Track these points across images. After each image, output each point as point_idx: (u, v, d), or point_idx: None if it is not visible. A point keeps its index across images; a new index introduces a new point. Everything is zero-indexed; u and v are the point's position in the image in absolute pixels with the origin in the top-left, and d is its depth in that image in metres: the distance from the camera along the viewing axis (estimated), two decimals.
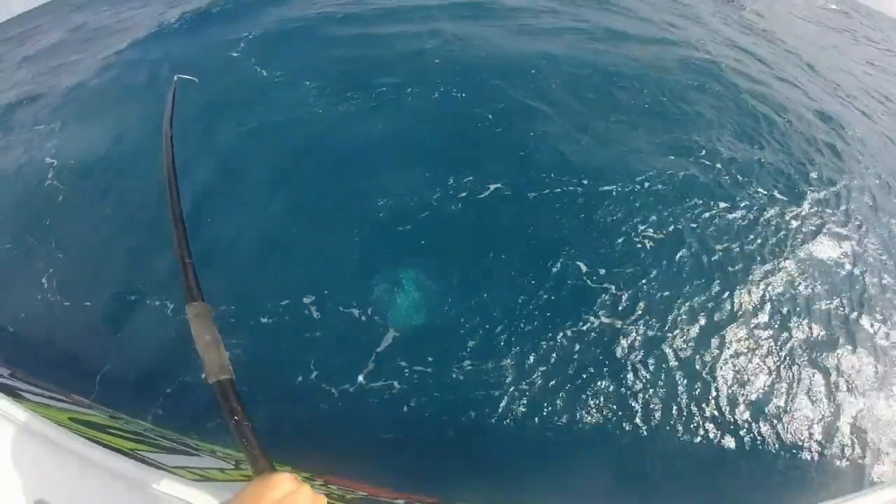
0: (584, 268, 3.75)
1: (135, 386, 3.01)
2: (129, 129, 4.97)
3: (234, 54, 6.21)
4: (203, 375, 1.08)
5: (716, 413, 3.09)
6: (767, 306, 3.69)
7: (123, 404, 2.82)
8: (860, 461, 3.06)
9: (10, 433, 1.45)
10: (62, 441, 1.47)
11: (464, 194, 4.25)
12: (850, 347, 3.58)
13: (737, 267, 3.93)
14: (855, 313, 3.82)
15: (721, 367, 3.30)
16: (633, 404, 3.06)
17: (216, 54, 6.26)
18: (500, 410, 2.98)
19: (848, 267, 4.17)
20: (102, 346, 3.23)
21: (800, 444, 3.05)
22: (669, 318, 3.51)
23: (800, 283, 3.90)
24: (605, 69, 6.11)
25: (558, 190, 4.31)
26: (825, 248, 4.25)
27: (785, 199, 4.66)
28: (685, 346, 3.38)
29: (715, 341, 3.43)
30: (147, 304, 3.44)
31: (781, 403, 3.20)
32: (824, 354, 3.50)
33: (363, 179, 4.43)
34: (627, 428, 2.98)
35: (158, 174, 1.72)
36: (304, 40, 6.58)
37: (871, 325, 3.78)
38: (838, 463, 3.04)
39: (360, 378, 3.04)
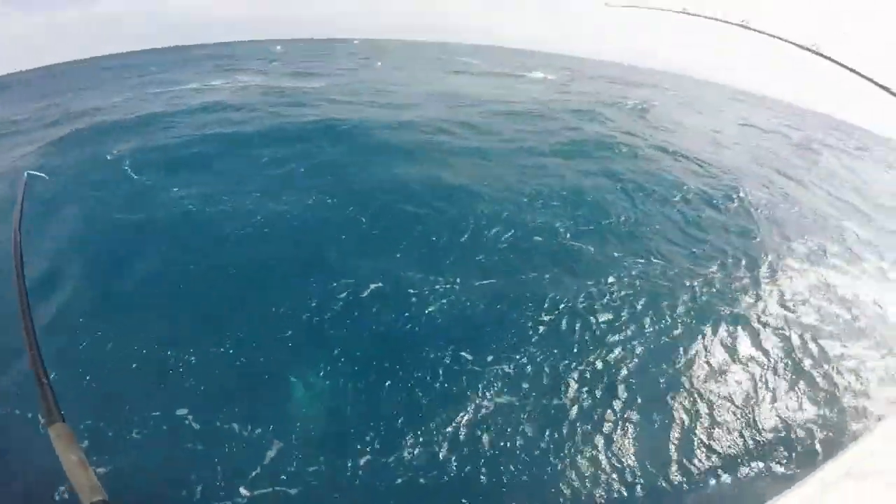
0: (469, 357, 4.06)
1: None
2: None
3: (109, 158, 6.73)
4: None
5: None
6: (655, 362, 4.20)
7: None
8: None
9: None
10: None
11: (343, 295, 4.52)
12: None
13: (624, 330, 4.45)
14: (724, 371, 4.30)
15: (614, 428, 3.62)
16: (541, 479, 3.23)
17: (93, 160, 6.72)
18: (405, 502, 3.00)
19: (732, 328, 4.75)
20: None
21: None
22: (560, 388, 3.86)
23: (688, 339, 4.48)
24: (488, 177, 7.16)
25: (437, 287, 4.78)
26: (707, 313, 4.89)
27: (666, 264, 5.43)
28: (573, 415, 3.68)
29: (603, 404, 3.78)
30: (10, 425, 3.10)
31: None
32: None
33: (233, 286, 4.58)
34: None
35: (9, 279, 1.53)
36: (190, 157, 7.25)
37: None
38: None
39: (245, 490, 2.99)
